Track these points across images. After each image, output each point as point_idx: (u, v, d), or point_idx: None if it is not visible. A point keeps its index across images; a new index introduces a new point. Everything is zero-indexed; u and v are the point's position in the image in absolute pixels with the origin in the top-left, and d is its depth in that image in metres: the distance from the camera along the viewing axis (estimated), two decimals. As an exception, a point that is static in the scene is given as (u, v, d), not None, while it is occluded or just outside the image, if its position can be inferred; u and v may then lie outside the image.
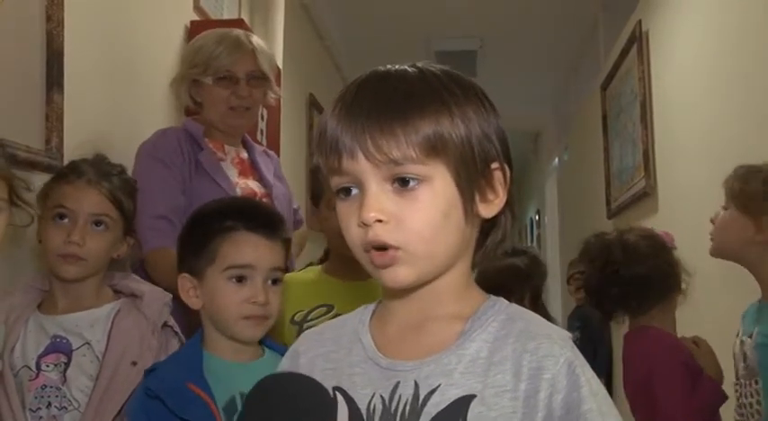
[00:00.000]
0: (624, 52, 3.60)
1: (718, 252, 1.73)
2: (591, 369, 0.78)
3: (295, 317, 1.57)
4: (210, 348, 1.29)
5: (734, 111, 2.34)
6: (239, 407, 1.21)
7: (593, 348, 4.03)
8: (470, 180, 0.77)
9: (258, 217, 1.29)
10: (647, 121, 3.26)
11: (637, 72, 3.36)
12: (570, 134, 5.74)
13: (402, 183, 0.75)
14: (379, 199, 0.75)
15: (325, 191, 1.60)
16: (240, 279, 1.25)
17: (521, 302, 2.19)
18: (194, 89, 1.97)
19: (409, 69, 0.80)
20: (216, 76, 1.92)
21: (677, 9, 2.94)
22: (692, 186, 2.74)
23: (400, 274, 0.76)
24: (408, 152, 0.74)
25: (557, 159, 6.59)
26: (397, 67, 0.81)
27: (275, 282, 1.29)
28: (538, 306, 2.20)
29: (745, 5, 2.25)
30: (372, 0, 4.44)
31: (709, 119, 2.58)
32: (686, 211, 2.79)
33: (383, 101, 0.76)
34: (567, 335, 0.80)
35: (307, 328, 1.45)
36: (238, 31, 2.01)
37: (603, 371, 4.05)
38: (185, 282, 1.29)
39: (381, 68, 0.81)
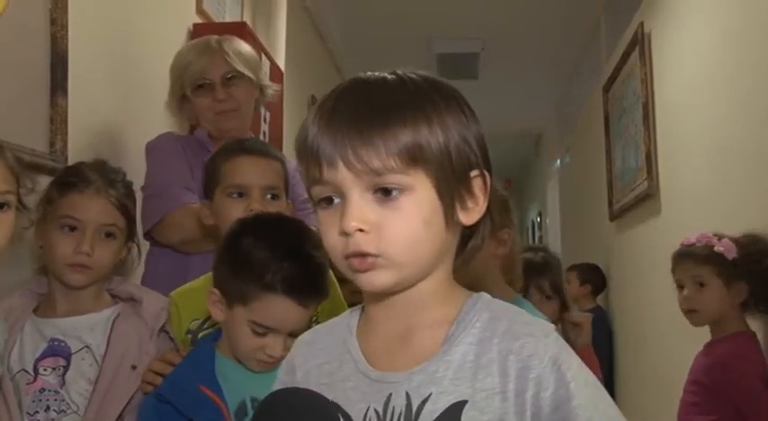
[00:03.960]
0: (626, 54, 3.60)
1: (472, 279, 1.69)
2: (577, 359, 0.78)
3: (190, 327, 1.51)
4: (224, 351, 1.29)
5: (736, 112, 2.34)
6: (249, 412, 1.21)
7: (602, 353, 4.01)
8: (450, 188, 0.78)
9: (303, 282, 1.24)
10: (650, 123, 3.26)
11: (639, 74, 3.36)
12: (572, 136, 5.74)
13: (384, 192, 0.76)
14: (360, 208, 0.75)
15: (219, 181, 1.59)
16: (264, 333, 1.25)
17: (542, 293, 2.44)
18: (186, 105, 1.98)
19: (389, 77, 0.80)
20: (192, 85, 1.92)
21: (679, 11, 2.94)
22: (695, 188, 2.74)
23: (378, 279, 0.77)
24: (389, 162, 0.74)
25: (558, 161, 6.59)
26: (377, 74, 0.81)
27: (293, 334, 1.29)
28: (561, 294, 2.51)
29: (748, 7, 2.25)
30: (374, 2, 4.44)
31: (712, 120, 2.58)
32: (689, 213, 2.79)
33: (362, 110, 0.76)
34: (551, 328, 0.80)
35: (202, 337, 1.46)
36: (209, 37, 2.00)
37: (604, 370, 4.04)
38: (213, 296, 1.28)
39: (362, 76, 0.81)
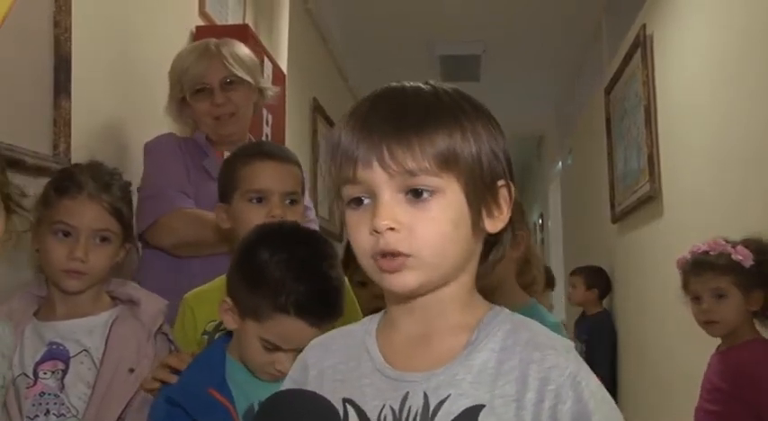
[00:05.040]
0: (628, 56, 3.60)
1: (492, 282, 1.62)
2: (594, 377, 0.80)
3: (206, 328, 1.50)
4: (235, 355, 1.29)
5: (739, 114, 2.34)
6: None
7: (606, 359, 4.00)
8: (479, 195, 0.80)
9: (317, 304, 1.21)
10: (652, 125, 3.26)
11: (641, 76, 3.36)
12: (574, 138, 5.74)
13: (415, 194, 0.77)
14: (392, 208, 0.77)
15: (238, 185, 1.57)
16: (275, 348, 1.23)
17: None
18: (185, 109, 1.98)
19: (423, 86, 0.82)
20: (191, 90, 1.92)
21: (682, 13, 2.94)
22: (697, 190, 2.74)
23: (406, 280, 0.78)
24: (423, 164, 0.76)
25: (560, 163, 6.59)
26: (411, 83, 0.83)
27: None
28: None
29: (750, 9, 2.25)
30: (376, 4, 4.45)
31: (714, 122, 2.58)
32: (691, 215, 2.79)
33: (400, 113, 0.78)
34: (571, 344, 0.82)
35: (218, 338, 1.44)
36: (208, 40, 2.00)
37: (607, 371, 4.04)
38: (225, 305, 1.27)
39: (395, 84, 0.83)
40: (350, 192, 0.79)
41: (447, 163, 0.77)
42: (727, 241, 1.92)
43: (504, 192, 0.82)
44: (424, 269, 0.78)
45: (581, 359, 0.80)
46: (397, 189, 0.77)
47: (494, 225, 0.82)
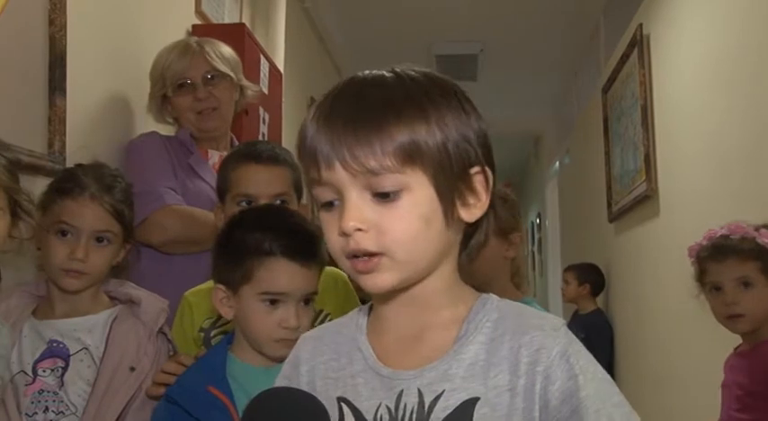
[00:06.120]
0: (625, 56, 3.60)
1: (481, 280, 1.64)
2: (586, 352, 0.78)
3: (203, 325, 1.53)
4: (238, 353, 1.30)
5: (735, 114, 2.35)
6: None
7: (603, 360, 4.00)
8: (449, 186, 0.77)
9: (298, 243, 1.28)
10: (648, 125, 3.26)
11: (638, 76, 3.36)
12: (571, 137, 5.75)
13: (381, 195, 0.76)
14: (359, 208, 0.75)
15: (229, 187, 1.60)
16: (274, 302, 1.26)
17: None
18: (167, 107, 1.99)
19: (387, 75, 0.80)
20: (174, 85, 1.94)
21: (678, 13, 2.94)
22: (694, 190, 2.74)
23: (381, 280, 0.77)
24: (384, 162, 0.74)
25: (558, 163, 6.59)
26: (375, 72, 0.81)
27: (307, 302, 1.30)
28: None
29: (747, 10, 2.26)
30: (373, 3, 4.45)
31: (711, 122, 2.58)
32: (687, 215, 2.79)
33: (359, 110, 0.76)
34: (560, 322, 0.80)
35: (215, 336, 1.49)
36: (189, 38, 2.03)
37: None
38: (219, 292, 1.30)
39: (359, 75, 0.81)
40: (319, 193, 0.79)
41: (410, 157, 0.75)
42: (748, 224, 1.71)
43: (479, 179, 0.80)
44: (399, 268, 0.77)
45: (571, 335, 0.79)
46: (363, 187, 0.76)
47: (470, 214, 0.80)
